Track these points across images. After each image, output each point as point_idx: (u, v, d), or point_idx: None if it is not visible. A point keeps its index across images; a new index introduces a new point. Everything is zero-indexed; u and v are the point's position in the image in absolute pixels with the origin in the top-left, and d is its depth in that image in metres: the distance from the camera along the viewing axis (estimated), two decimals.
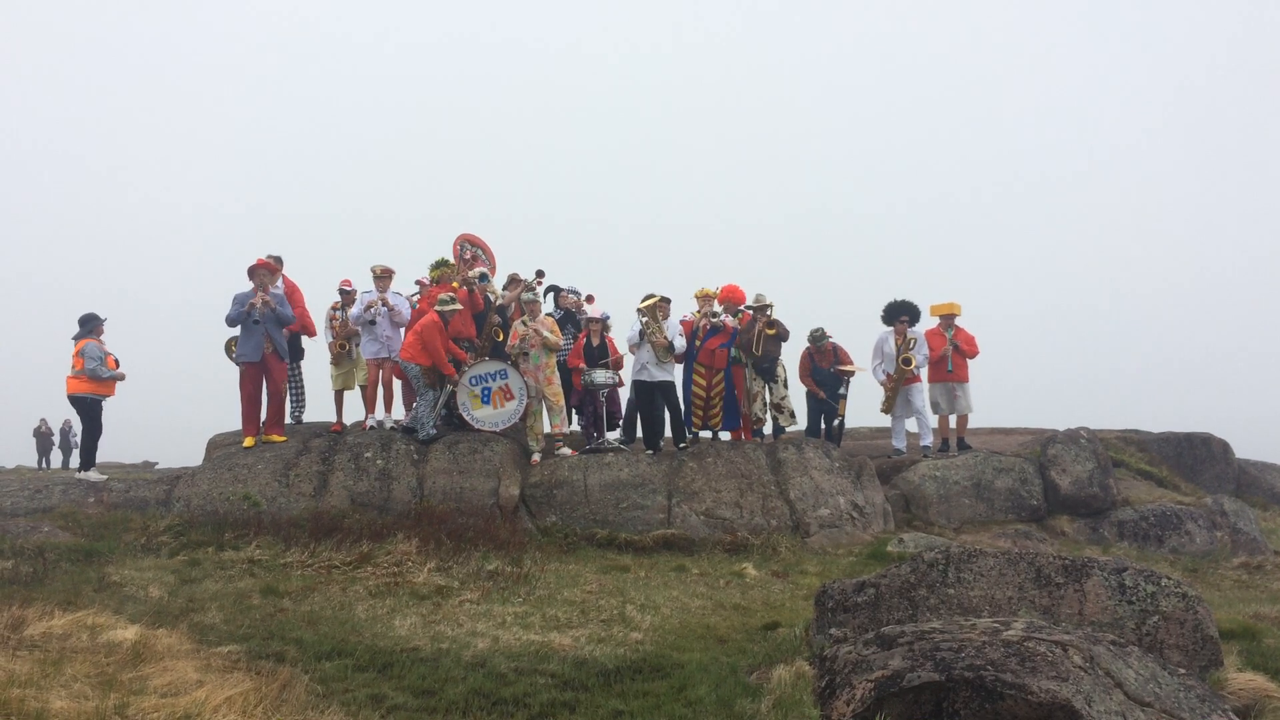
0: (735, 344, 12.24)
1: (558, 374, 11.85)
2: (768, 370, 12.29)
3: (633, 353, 12.04)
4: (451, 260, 12.81)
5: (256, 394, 11.47)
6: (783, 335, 12.31)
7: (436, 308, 11.25)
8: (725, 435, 12.77)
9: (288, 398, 12.07)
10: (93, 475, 11.61)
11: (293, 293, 12.19)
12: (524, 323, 11.64)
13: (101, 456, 12.34)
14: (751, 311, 12.37)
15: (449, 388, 11.70)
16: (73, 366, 11.42)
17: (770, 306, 12.29)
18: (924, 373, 12.95)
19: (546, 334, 11.54)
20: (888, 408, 13.08)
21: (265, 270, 11.28)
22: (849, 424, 13.79)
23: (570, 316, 12.89)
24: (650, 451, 12.04)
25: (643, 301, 11.95)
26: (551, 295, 13.16)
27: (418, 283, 12.73)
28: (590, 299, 13.31)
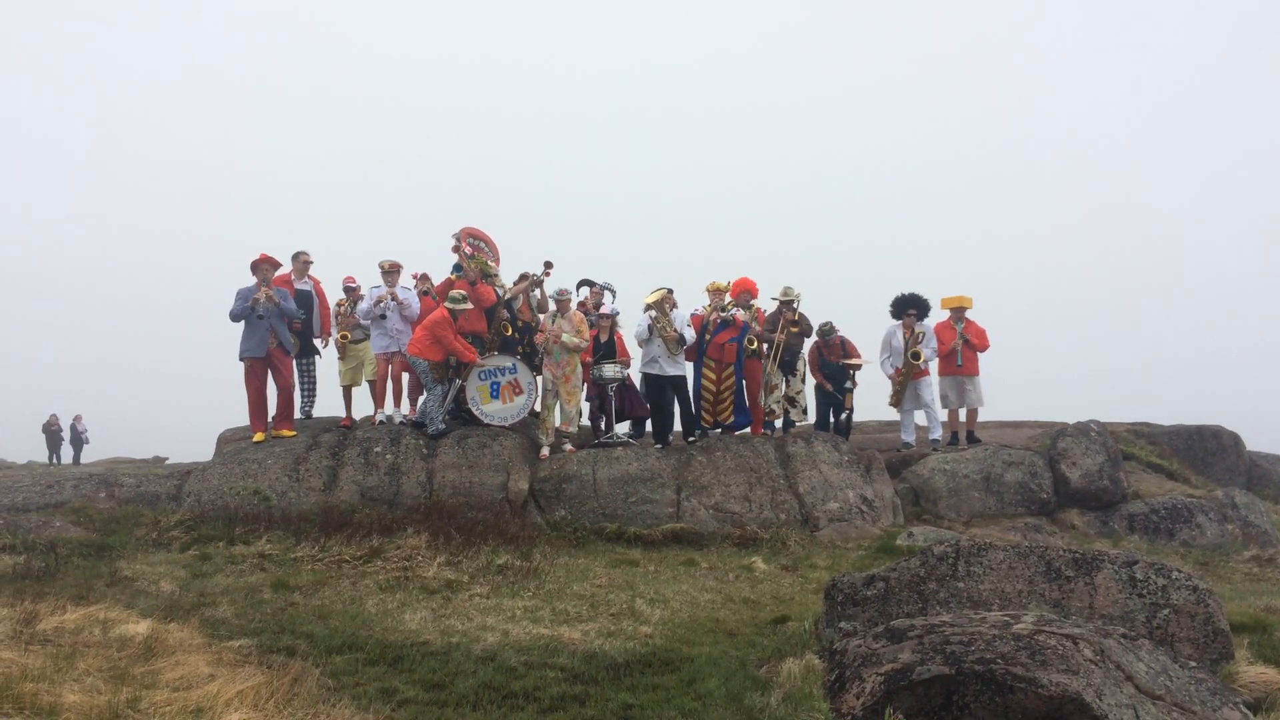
0: (750, 337, 12.14)
1: (579, 372, 11.85)
2: (788, 363, 12.29)
3: (642, 348, 12.04)
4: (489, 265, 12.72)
5: (263, 389, 11.50)
6: (806, 330, 12.31)
7: (448, 305, 11.26)
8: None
9: (298, 392, 12.11)
10: None
11: (321, 295, 12.32)
12: (551, 316, 11.68)
13: (112, 451, 12.42)
14: (778, 303, 12.33)
15: (458, 382, 11.72)
16: None
17: (799, 297, 12.25)
18: (933, 366, 12.92)
19: (565, 336, 11.53)
20: (896, 401, 13.07)
21: (268, 265, 11.30)
22: (858, 417, 13.77)
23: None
24: (659, 445, 12.05)
25: (649, 296, 11.94)
26: (586, 289, 13.15)
27: (413, 276, 12.67)
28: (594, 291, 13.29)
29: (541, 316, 11.99)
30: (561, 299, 11.79)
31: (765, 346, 12.28)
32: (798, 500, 11.24)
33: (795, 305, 12.26)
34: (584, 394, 12.35)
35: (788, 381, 12.46)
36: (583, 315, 12.04)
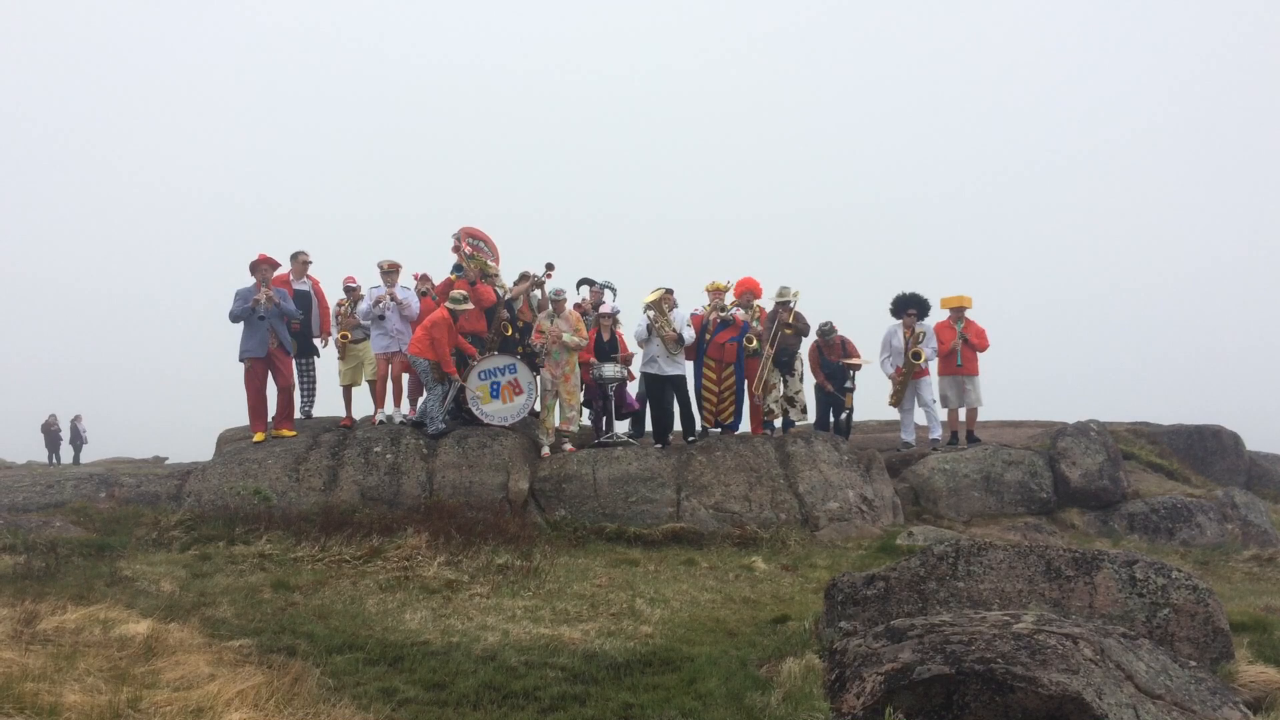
0: (749, 335, 12.11)
1: (578, 372, 11.86)
2: (786, 363, 12.28)
3: (642, 348, 12.04)
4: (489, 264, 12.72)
5: (263, 389, 11.51)
6: (802, 330, 12.29)
7: (448, 305, 11.26)
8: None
9: (297, 392, 12.11)
10: None
11: (320, 295, 12.32)
12: (548, 316, 11.67)
13: (112, 451, 12.40)
14: (776, 305, 12.32)
15: (458, 382, 11.72)
16: None
17: (795, 297, 12.24)
18: (933, 366, 12.92)
19: (565, 336, 11.53)
20: (896, 401, 13.07)
21: (267, 265, 11.30)
22: (858, 417, 13.76)
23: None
24: (659, 445, 12.04)
25: (648, 296, 11.95)
26: (586, 288, 13.16)
27: (414, 275, 12.68)
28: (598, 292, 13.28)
29: (540, 316, 11.97)
30: (557, 299, 11.79)
31: (765, 346, 12.26)
32: (798, 500, 11.25)
33: (791, 305, 12.25)
34: (582, 394, 12.37)
35: (785, 382, 12.44)
36: (579, 315, 12.05)
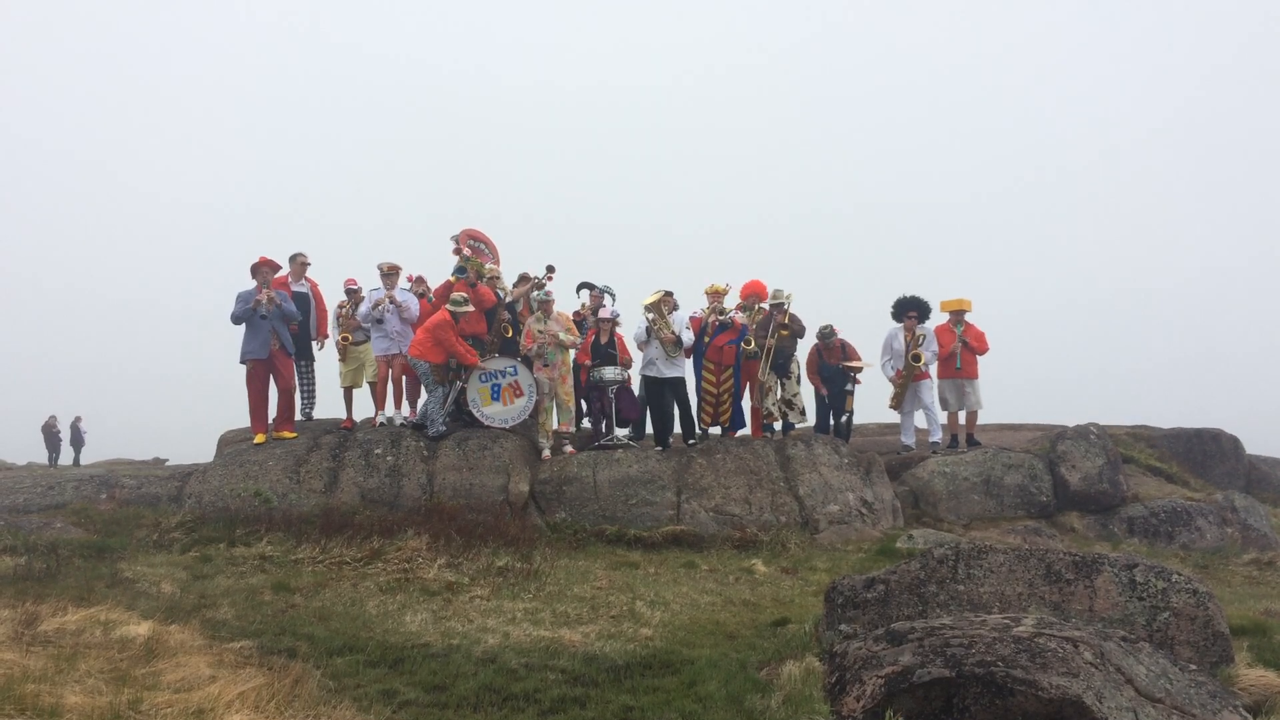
0: (746, 339, 12.12)
1: (572, 373, 11.86)
2: (781, 366, 12.27)
3: (641, 350, 12.04)
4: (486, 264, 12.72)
5: (264, 391, 11.51)
6: (798, 332, 12.29)
7: (449, 307, 11.27)
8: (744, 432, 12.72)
9: (298, 394, 12.11)
10: None
11: (318, 298, 12.33)
12: (538, 319, 11.66)
13: (113, 453, 12.41)
14: (770, 309, 12.32)
15: (458, 384, 11.73)
16: None
17: (789, 299, 12.24)
18: (933, 369, 12.92)
19: (562, 335, 11.54)
20: (896, 404, 13.07)
21: (268, 268, 11.31)
22: (858, 420, 13.76)
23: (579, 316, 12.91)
24: (659, 448, 12.05)
25: (647, 298, 11.95)
26: (586, 292, 13.17)
27: (409, 278, 12.67)
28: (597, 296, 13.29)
29: (529, 321, 11.91)
30: (547, 299, 11.79)
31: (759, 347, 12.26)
32: (798, 503, 11.25)
33: (785, 307, 12.25)
34: (584, 406, 12.38)
35: (782, 385, 12.43)
36: (569, 316, 12.06)
